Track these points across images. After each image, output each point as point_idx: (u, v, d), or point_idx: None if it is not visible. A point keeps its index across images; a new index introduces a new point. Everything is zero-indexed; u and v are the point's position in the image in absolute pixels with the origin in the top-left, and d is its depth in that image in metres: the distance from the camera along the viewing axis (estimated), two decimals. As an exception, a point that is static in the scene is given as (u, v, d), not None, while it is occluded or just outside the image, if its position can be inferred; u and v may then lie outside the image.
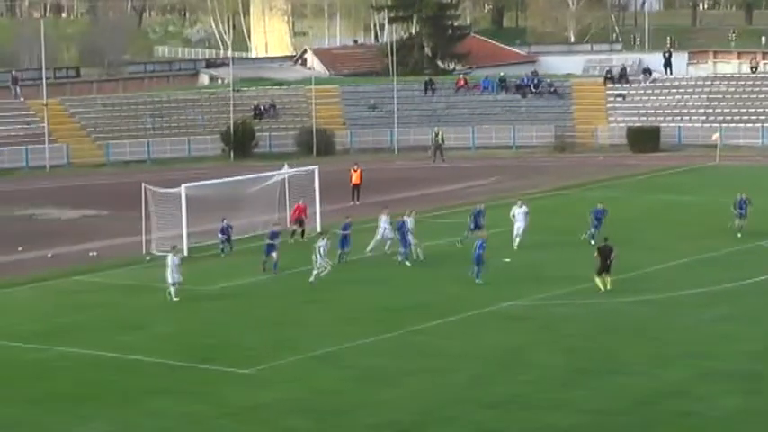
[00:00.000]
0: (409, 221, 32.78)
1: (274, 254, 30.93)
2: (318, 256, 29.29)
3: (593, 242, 30.34)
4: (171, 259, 28.40)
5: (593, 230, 32.46)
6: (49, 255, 35.37)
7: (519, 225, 32.11)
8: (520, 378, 20.19)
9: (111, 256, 35.25)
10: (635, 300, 26.67)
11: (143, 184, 35.80)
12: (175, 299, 27.74)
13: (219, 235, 34.27)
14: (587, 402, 17.30)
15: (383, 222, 34.08)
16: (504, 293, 27.42)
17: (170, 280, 28.00)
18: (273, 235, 32.20)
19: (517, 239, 32.18)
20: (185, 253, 33.60)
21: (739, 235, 32.70)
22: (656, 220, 38.17)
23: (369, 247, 32.92)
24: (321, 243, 29.46)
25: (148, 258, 34.00)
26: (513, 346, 23.06)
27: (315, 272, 29.20)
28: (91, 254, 35.30)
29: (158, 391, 19.51)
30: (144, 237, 34.72)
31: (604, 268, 23.80)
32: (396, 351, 22.89)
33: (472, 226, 33.01)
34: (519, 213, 33.67)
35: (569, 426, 15.92)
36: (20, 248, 36.07)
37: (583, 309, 26.33)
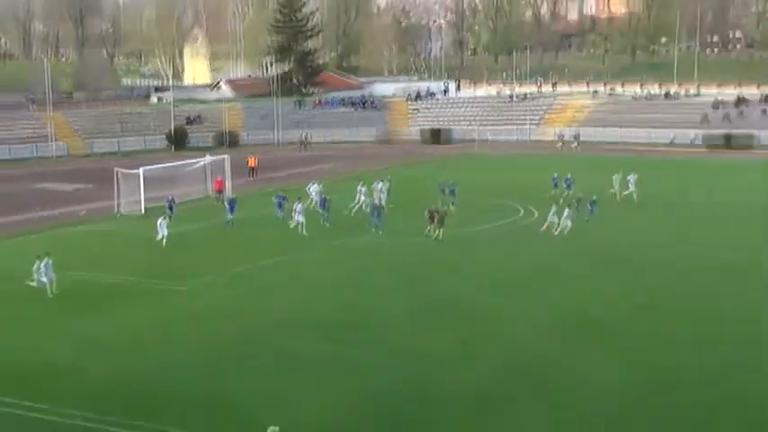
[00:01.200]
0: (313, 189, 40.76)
1: (167, 221, 34.99)
2: (296, 213, 36.14)
3: (453, 207, 37.64)
4: (160, 221, 34.70)
5: (452, 200, 39.95)
6: (82, 212, 43.52)
7: (383, 196, 39.63)
8: (361, 288, 27.85)
9: (95, 215, 43.52)
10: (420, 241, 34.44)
11: (115, 168, 44.77)
12: (163, 245, 33.63)
13: (166, 203, 39.87)
14: (402, 303, 25.19)
15: (312, 190, 42.00)
16: (342, 236, 35.51)
17: (160, 234, 34.04)
18: (170, 202, 39.38)
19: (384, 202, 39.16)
20: (143, 212, 42.35)
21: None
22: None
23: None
24: (297, 205, 36.77)
25: (118, 216, 42.71)
26: (356, 269, 30.58)
27: (300, 221, 36.39)
28: (81, 213, 43.55)
29: (123, 300, 26.52)
30: (116, 201, 43.41)
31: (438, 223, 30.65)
32: (277, 273, 30.08)
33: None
34: (381, 186, 41.03)
35: (406, 310, 24.32)
36: (36, 210, 43.75)
37: (405, 245, 34.26)
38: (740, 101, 70.03)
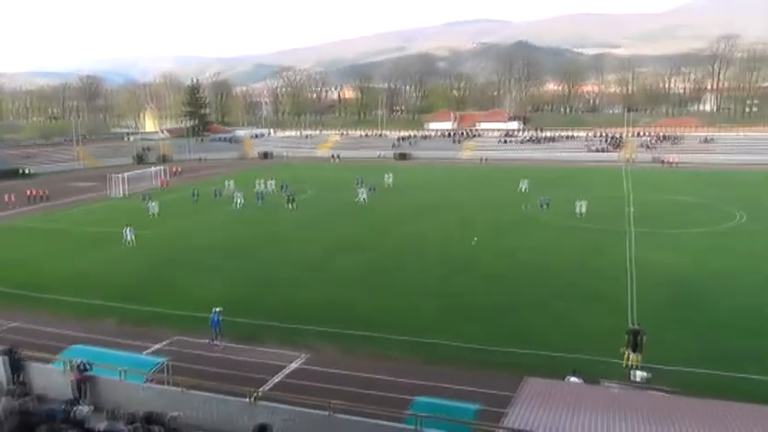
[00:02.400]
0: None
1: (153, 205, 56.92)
2: (238, 197, 61.02)
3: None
4: (150, 204, 56.27)
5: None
6: (95, 196, 70.14)
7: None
8: (234, 228, 60.66)
9: (101, 197, 72.20)
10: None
11: (108, 174, 75.73)
12: (157, 216, 55.65)
13: (146, 197, 63.05)
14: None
15: (230, 184, 70.40)
16: (230, 207, 79.63)
17: (151, 211, 55.99)
18: (145, 194, 61.83)
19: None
20: (123, 195, 70.50)
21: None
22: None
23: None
24: (238, 194, 61.24)
25: (112, 197, 69.14)
26: (233, 220, 65.15)
27: (239, 202, 61.43)
28: (95, 196, 70.15)
29: (115, 240, 47.81)
30: (108, 192, 72.60)
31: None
32: (195, 224, 62.36)
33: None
34: (265, 182, 70.02)
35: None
36: (73, 195, 69.34)
37: (260, 211, 66.52)
38: (406, 138, 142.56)
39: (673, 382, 22.96)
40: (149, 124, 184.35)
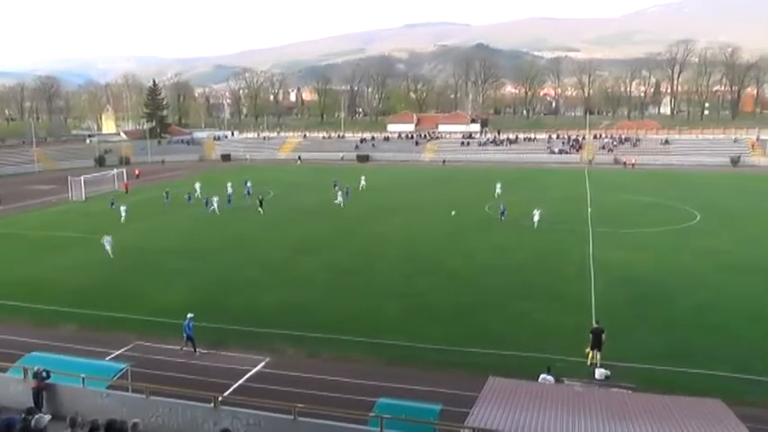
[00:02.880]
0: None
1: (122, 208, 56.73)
2: (214, 202, 60.52)
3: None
4: (122, 208, 55.86)
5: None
6: (53, 200, 68.21)
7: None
8: (198, 232, 63.00)
9: (60, 201, 70.14)
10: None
11: (68, 177, 73.44)
12: (123, 221, 54.84)
13: (114, 201, 62.17)
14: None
15: (197, 186, 70.93)
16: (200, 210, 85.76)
17: (123, 214, 55.53)
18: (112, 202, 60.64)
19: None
20: (84, 199, 68.67)
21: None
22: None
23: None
24: (214, 198, 61.25)
25: (72, 201, 66.91)
26: (200, 224, 63.73)
27: (215, 207, 60.61)
28: (53, 200, 68.60)
29: (75, 245, 49.80)
30: (69, 195, 71.11)
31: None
32: (156, 226, 68.95)
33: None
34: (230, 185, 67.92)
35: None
36: (30, 199, 68.60)
37: (228, 214, 76.64)
38: (368, 140, 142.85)
39: (634, 379, 23.41)
40: (109, 126, 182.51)
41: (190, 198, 67.97)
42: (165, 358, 26.73)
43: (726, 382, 23.64)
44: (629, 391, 19.88)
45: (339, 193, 66.61)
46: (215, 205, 61.50)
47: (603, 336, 25.55)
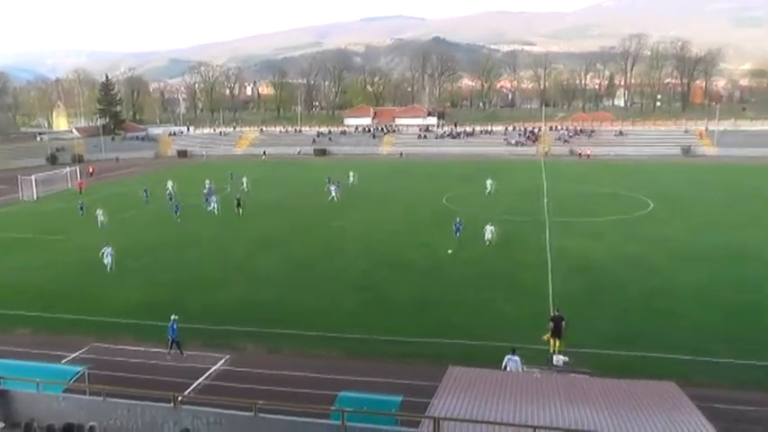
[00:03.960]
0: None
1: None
2: (214, 201, 58.08)
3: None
4: (99, 213, 52.47)
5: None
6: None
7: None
8: (181, 228, 73.97)
9: (10, 201, 68.15)
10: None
11: (18, 176, 70.63)
12: (104, 222, 52.50)
13: (80, 205, 57.99)
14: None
15: (169, 185, 67.50)
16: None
17: (100, 218, 51.97)
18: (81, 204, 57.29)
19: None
20: (35, 199, 66.17)
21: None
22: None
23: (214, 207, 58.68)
24: (213, 199, 57.94)
25: (22, 201, 65.50)
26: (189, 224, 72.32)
27: (214, 206, 58.09)
28: (3, 200, 66.34)
29: (30, 245, 48.73)
30: (20, 194, 68.20)
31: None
32: (126, 220, 71.00)
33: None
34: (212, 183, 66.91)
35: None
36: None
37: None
38: (325, 134, 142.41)
39: (591, 365, 23.89)
40: (61, 123, 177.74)
41: (171, 197, 65.51)
42: (123, 359, 26.37)
43: (677, 365, 24.58)
44: (587, 376, 20.09)
45: (333, 188, 65.95)
46: (215, 205, 59.46)
47: (563, 323, 25.94)
